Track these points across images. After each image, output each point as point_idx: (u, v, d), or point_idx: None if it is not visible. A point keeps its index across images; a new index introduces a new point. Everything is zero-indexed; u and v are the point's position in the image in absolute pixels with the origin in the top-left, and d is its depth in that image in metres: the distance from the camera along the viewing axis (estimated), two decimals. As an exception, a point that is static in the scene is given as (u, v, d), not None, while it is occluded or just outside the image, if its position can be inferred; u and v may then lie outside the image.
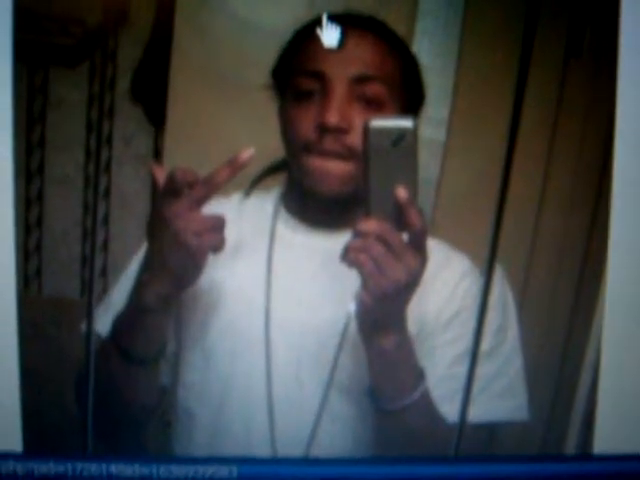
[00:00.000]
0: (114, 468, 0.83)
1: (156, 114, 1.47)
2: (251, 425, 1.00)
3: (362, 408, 0.96)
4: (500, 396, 1.00)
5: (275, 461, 0.98)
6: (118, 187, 1.51)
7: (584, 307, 1.25)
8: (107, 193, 1.51)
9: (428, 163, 1.36)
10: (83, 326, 0.98)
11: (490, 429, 1.02)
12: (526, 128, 0.88)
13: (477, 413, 0.96)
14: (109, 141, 1.50)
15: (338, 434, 1.00)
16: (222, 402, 1.00)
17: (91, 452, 0.87)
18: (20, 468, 0.81)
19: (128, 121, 1.50)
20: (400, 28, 1.00)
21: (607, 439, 0.88)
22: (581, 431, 1.16)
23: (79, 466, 0.83)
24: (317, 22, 0.96)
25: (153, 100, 1.47)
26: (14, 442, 0.82)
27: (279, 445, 0.99)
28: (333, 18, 0.96)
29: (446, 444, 0.93)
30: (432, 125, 1.35)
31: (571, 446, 1.18)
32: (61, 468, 0.82)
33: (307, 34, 0.96)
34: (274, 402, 0.99)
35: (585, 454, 0.99)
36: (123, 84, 1.49)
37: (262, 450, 0.99)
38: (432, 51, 1.33)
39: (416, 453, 0.93)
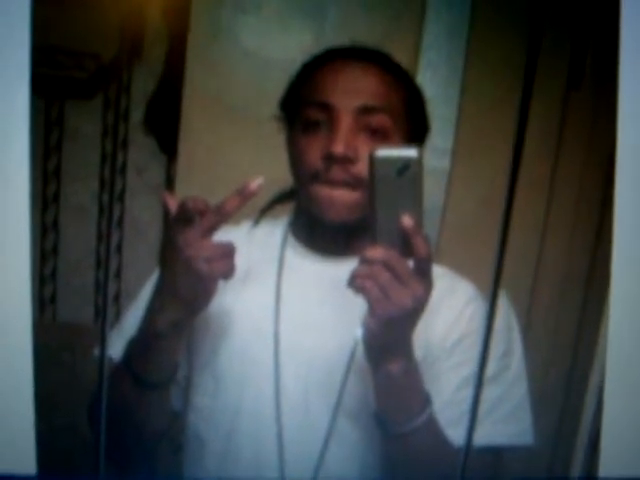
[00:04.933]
0: (125, 491, 0.84)
1: (168, 145, 1.48)
2: (260, 449, 0.99)
3: (369, 432, 0.96)
4: (505, 420, 0.99)
5: (284, 485, 0.98)
6: (131, 216, 1.52)
7: (588, 331, 1.24)
8: (120, 222, 1.52)
9: (433, 191, 1.36)
10: (96, 351, 0.99)
11: (496, 453, 1.02)
12: (529, 156, 0.89)
13: (482, 437, 0.95)
14: (123, 171, 1.51)
15: (346, 458, 0.99)
16: (232, 427, 1.01)
17: (103, 474, 0.87)
18: (34, 490, 0.82)
19: (141, 152, 1.51)
20: (404, 61, 1.01)
21: (612, 463, 0.87)
22: (586, 455, 1.15)
23: (91, 488, 0.83)
24: (324, 55, 0.99)
25: (165, 131, 1.48)
26: (29, 464, 0.82)
27: (288, 470, 0.99)
28: (339, 51, 0.98)
29: (452, 467, 0.93)
30: (437, 154, 1.35)
31: (576, 470, 1.18)
32: (74, 490, 0.83)
33: (314, 66, 0.98)
34: (283, 427, 0.99)
35: (590, 478, 0.99)
36: (137, 116, 1.50)
37: (271, 474, 0.99)
38: (436, 83, 1.34)
39: (423, 476, 0.92)
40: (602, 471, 0.87)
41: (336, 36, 1.04)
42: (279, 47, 1.31)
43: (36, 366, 0.81)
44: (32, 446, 0.82)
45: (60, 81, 1.44)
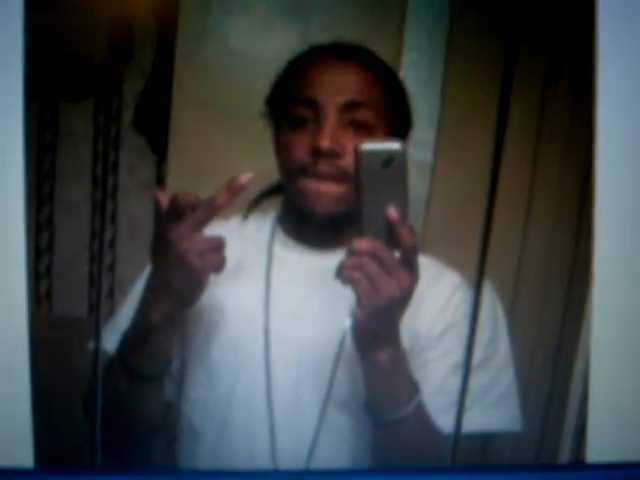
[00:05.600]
0: (122, 482, 0.84)
1: (159, 144, 1.49)
2: (253, 440, 1.00)
3: (360, 421, 0.96)
4: (493, 407, 1.00)
5: (276, 474, 0.99)
6: (124, 212, 1.53)
7: (573, 319, 1.25)
8: (113, 218, 1.53)
9: (417, 183, 1.37)
10: (91, 344, 0.99)
11: (485, 439, 1.02)
12: (510, 149, 0.90)
13: (471, 424, 0.96)
14: (115, 170, 1.52)
15: (337, 447, 0.99)
16: (225, 418, 1.01)
17: (99, 466, 0.87)
18: (32, 483, 0.82)
19: (132, 151, 1.52)
20: (387, 59, 1.01)
21: (599, 448, 0.88)
22: (574, 441, 1.16)
23: (88, 480, 0.83)
24: (308, 52, 0.99)
25: (156, 131, 1.49)
26: (26, 458, 0.82)
27: (280, 459, 0.99)
28: (324, 48, 0.99)
29: (442, 454, 0.93)
30: (420, 147, 1.36)
31: (564, 455, 1.18)
32: (71, 482, 0.83)
33: (299, 64, 0.99)
34: (275, 417, 0.99)
35: (578, 463, 0.99)
36: (128, 116, 1.52)
37: (264, 464, 0.99)
38: (418, 80, 1.35)
39: (413, 464, 0.92)
40: (589, 456, 0.88)
41: (321, 36, 1.05)
42: (265, 47, 1.33)
43: (32, 359, 0.81)
44: (29, 439, 0.82)
45: (53, 83, 1.45)
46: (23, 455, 0.82)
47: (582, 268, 0.93)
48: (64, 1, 1.32)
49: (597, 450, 0.88)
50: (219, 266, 0.86)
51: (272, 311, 1.01)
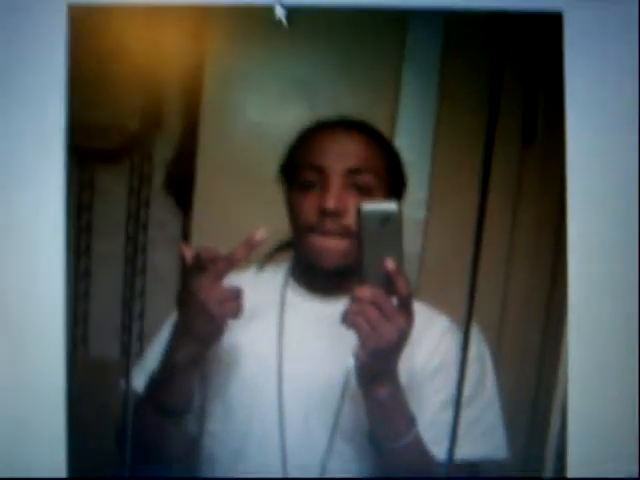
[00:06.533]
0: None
1: (185, 203, 1.53)
2: (267, 469, 1.01)
3: (363, 450, 0.97)
4: (481, 438, 1.01)
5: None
6: (153, 265, 1.55)
7: (551, 356, 1.26)
8: (143, 270, 1.55)
9: (411, 238, 1.41)
10: (122, 383, 1.01)
11: (474, 465, 1.02)
12: (492, 206, 0.93)
13: (462, 453, 0.97)
14: (145, 226, 1.55)
15: (343, 473, 1.00)
16: (241, 448, 1.02)
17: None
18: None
19: (162, 209, 1.56)
20: (383, 128, 1.05)
21: (578, 472, 0.89)
22: (555, 465, 1.16)
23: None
24: (316, 125, 1.03)
25: (183, 191, 1.53)
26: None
27: None
28: (330, 122, 1.03)
29: (436, 477, 0.96)
30: (414, 207, 1.40)
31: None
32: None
33: (308, 135, 1.02)
34: (287, 448, 1.00)
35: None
36: (158, 178, 1.55)
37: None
38: (411, 147, 1.39)
39: (411, 486, 0.94)
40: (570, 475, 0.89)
41: (326, 108, 1.10)
42: (278, 119, 1.38)
43: (69, 395, 0.84)
44: (63, 468, 0.85)
45: (92, 150, 1.50)
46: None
47: (558, 311, 0.95)
48: (101, 79, 1.37)
49: (577, 473, 0.89)
50: (237, 313, 0.90)
51: (284, 351, 1.02)
